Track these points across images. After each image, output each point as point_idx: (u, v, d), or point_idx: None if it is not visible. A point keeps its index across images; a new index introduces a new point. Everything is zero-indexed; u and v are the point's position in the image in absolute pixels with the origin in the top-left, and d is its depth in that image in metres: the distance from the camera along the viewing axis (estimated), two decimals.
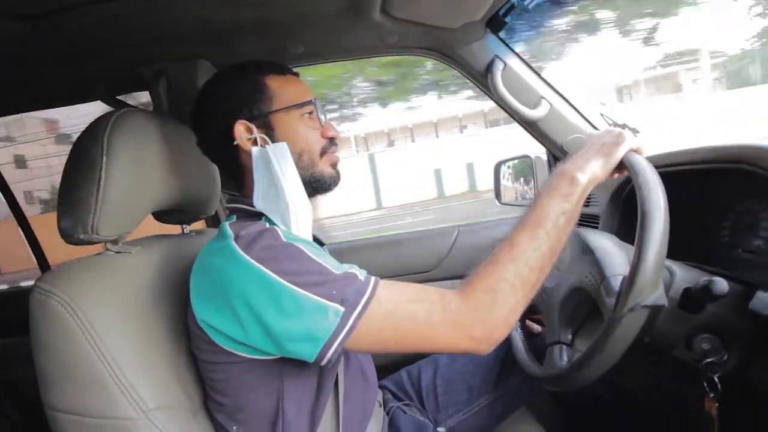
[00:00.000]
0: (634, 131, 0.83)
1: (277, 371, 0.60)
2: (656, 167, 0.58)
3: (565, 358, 0.67)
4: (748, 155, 0.61)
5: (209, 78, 0.70)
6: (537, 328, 0.91)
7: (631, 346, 0.58)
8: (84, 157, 0.60)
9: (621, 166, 0.61)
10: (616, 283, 0.60)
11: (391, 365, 0.95)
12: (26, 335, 0.56)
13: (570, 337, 0.69)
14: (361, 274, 0.55)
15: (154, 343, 0.61)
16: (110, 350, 0.55)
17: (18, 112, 1.17)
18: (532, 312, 0.83)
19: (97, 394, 0.54)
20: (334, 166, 0.69)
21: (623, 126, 0.88)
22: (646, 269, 0.52)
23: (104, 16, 0.74)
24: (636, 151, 0.61)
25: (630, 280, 0.53)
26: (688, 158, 0.73)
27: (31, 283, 0.63)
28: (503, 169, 1.26)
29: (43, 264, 1.45)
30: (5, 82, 0.95)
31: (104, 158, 0.59)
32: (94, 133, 0.61)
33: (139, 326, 0.60)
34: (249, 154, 0.64)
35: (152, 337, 0.62)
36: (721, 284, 0.54)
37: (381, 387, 0.89)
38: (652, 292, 0.53)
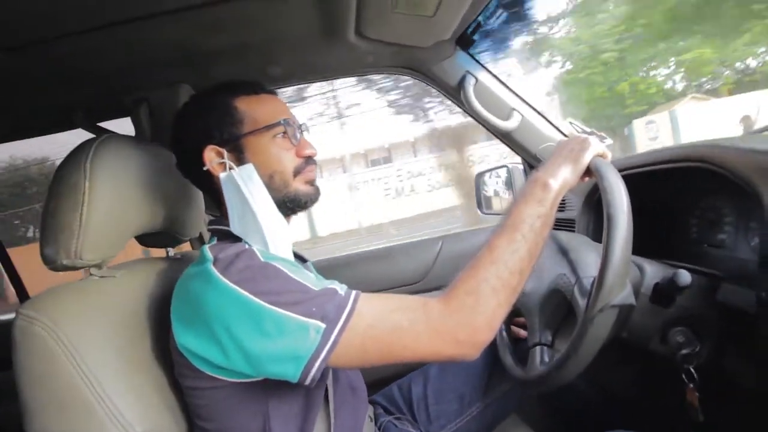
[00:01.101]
0: (601, 138, 0.87)
1: (261, 394, 0.60)
2: (623, 170, 0.61)
3: (546, 359, 0.69)
4: (709, 154, 0.64)
5: (184, 102, 0.71)
6: (522, 333, 0.92)
7: (611, 343, 0.60)
8: (66, 183, 0.60)
9: (589, 170, 0.63)
10: (587, 284, 0.62)
11: (381, 380, 0.95)
12: (7, 370, 0.55)
13: (550, 338, 0.71)
14: (341, 288, 0.56)
15: (140, 368, 0.61)
16: (96, 375, 0.54)
17: None
18: (515, 315, 0.84)
19: (84, 420, 0.54)
20: (310, 183, 0.69)
21: (591, 133, 0.92)
22: (612, 271, 0.55)
23: (83, 47, 0.75)
24: (601, 155, 0.64)
25: (598, 282, 0.56)
26: (652, 159, 0.77)
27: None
28: (482, 179, 1.30)
29: (23, 294, 1.42)
30: None
31: (87, 184, 0.60)
32: (76, 159, 0.61)
33: (124, 351, 0.59)
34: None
35: (138, 361, 0.61)
36: (685, 276, 0.57)
37: (372, 402, 0.89)
38: (619, 292, 0.56)
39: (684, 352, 0.61)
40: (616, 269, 0.54)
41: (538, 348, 0.70)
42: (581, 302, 0.61)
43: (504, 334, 0.86)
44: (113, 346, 0.58)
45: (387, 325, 0.53)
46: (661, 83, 9.96)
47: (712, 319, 0.61)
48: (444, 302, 0.54)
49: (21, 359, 0.54)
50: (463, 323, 0.53)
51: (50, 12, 0.64)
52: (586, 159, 0.62)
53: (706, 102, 8.99)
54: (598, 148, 0.64)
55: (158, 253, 0.85)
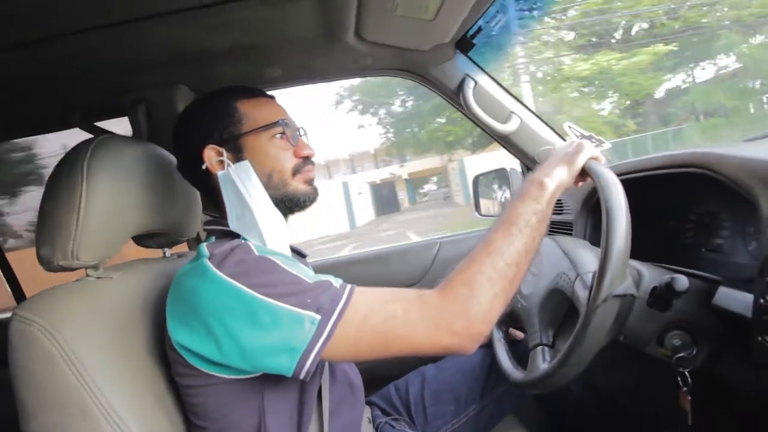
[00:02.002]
0: (600, 142, 0.88)
1: (257, 391, 0.60)
2: (619, 175, 0.62)
3: (547, 358, 0.69)
4: (706, 160, 0.65)
5: (187, 105, 0.72)
6: (519, 335, 0.92)
7: (608, 347, 0.61)
8: (63, 183, 0.60)
9: (585, 173, 0.65)
10: (588, 279, 0.63)
11: (378, 380, 0.95)
12: (2, 368, 0.55)
13: (551, 338, 0.71)
14: (336, 281, 0.56)
15: (136, 369, 0.61)
16: (92, 377, 0.54)
17: None
18: (513, 321, 0.85)
19: (81, 422, 0.53)
20: (309, 183, 0.70)
21: (589, 137, 0.93)
22: (614, 261, 0.55)
23: (79, 47, 0.75)
24: (595, 158, 0.66)
25: (600, 272, 0.56)
26: (647, 165, 0.78)
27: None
28: (481, 181, 1.30)
29: (19, 295, 1.41)
30: None
31: (84, 185, 0.59)
32: (73, 159, 0.61)
33: (121, 352, 0.59)
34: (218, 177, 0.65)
35: (135, 362, 0.61)
36: (682, 280, 0.57)
37: (369, 403, 0.89)
38: (621, 283, 0.57)
39: (680, 355, 0.62)
40: (618, 260, 0.55)
41: (539, 348, 0.70)
42: (583, 296, 0.61)
43: (501, 337, 0.86)
44: (110, 348, 0.58)
45: (382, 316, 0.53)
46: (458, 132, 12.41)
47: (708, 323, 0.61)
48: (439, 293, 0.54)
49: (17, 361, 0.54)
50: (459, 313, 0.53)
51: (47, 11, 0.64)
52: (581, 161, 0.64)
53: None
54: (592, 151, 0.66)
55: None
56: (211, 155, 0.66)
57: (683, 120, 10.65)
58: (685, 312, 0.62)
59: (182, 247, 0.93)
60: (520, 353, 0.79)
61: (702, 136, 9.42)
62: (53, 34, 0.70)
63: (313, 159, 0.71)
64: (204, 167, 0.66)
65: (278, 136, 0.68)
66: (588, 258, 0.68)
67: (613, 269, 0.55)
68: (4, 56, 0.73)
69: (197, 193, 0.84)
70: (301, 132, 0.72)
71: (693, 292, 0.60)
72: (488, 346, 0.87)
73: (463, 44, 1.01)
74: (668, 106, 10.85)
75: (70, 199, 0.59)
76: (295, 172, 0.68)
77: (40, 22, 0.67)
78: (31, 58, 0.76)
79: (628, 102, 10.28)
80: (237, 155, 0.66)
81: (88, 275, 0.64)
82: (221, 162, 0.65)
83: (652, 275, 0.64)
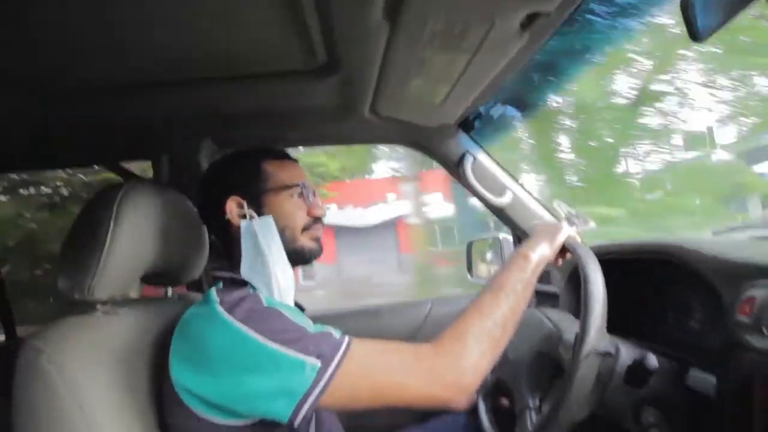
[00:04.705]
0: (584, 222, 0.96)
1: None
2: (599, 255, 0.69)
3: (534, 420, 0.72)
4: (671, 251, 0.72)
5: (216, 158, 0.79)
6: (506, 404, 0.93)
7: (588, 422, 0.63)
8: (93, 223, 0.64)
9: (566, 250, 0.73)
10: (571, 339, 0.69)
11: None
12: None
13: (538, 402, 0.75)
14: (336, 332, 0.60)
15: (133, 407, 0.61)
16: (92, 412, 0.55)
17: (16, 171, 1.21)
18: (499, 390, 0.87)
19: None
20: (316, 240, 0.75)
21: (576, 215, 1.02)
22: (594, 321, 0.63)
23: (116, 100, 0.83)
24: (572, 237, 0.75)
25: (582, 330, 0.63)
26: (620, 250, 0.85)
27: None
28: (475, 247, 1.37)
29: (10, 329, 1.38)
30: (7, 144, 1.01)
31: (111, 225, 0.63)
32: (105, 201, 0.65)
33: (121, 388, 0.60)
34: (238, 227, 0.70)
35: (132, 399, 0.62)
36: (652, 359, 0.62)
37: None
38: (600, 341, 0.63)
39: (654, 431, 0.64)
40: (597, 320, 0.63)
41: (526, 411, 0.73)
42: (566, 355, 0.67)
43: (487, 408, 0.88)
44: (110, 384, 0.59)
45: (378, 366, 0.57)
46: None
47: (679, 402, 0.65)
48: (433, 346, 0.59)
49: (22, 389, 0.55)
50: (450, 366, 0.57)
51: (84, 67, 0.71)
52: (560, 239, 0.73)
53: None
54: (569, 231, 0.76)
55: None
56: (232, 206, 0.71)
57: None
58: (659, 390, 0.66)
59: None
60: (507, 422, 0.81)
61: None
62: (91, 88, 0.78)
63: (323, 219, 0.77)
64: (226, 217, 0.71)
65: (296, 195, 0.74)
66: (571, 325, 0.74)
67: (594, 327, 0.63)
68: (37, 102, 0.80)
69: (205, 238, 0.88)
70: (316, 193, 0.78)
71: (666, 371, 0.64)
72: (474, 412, 0.88)
73: (466, 125, 1.12)
74: None
75: (98, 239, 0.62)
76: (305, 229, 0.74)
77: (79, 75, 0.75)
78: (63, 104, 0.83)
79: None
80: (257, 209, 0.71)
81: (97, 310, 0.66)
82: (241, 214, 0.71)
83: (628, 352, 0.68)
